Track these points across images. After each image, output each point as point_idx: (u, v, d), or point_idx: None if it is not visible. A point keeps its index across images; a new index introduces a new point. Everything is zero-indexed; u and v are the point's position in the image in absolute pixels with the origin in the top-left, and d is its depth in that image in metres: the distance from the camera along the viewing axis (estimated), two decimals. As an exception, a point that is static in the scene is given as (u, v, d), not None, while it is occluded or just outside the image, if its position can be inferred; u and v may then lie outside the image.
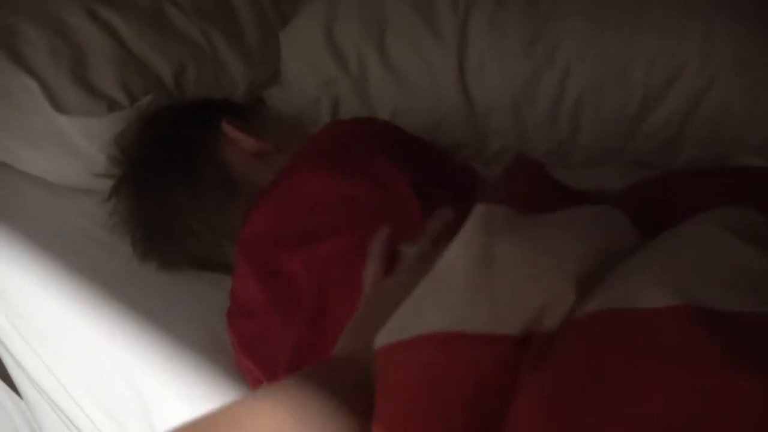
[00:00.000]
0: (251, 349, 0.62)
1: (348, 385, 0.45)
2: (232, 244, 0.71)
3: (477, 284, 0.46)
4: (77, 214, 0.87)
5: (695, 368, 0.36)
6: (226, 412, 0.41)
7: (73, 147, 0.83)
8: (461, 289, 0.46)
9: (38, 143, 0.84)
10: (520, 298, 0.44)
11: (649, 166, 0.86)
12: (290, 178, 0.66)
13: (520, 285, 0.45)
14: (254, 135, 0.76)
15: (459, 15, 0.84)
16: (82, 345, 0.76)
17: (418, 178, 0.62)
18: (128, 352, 0.71)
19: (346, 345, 0.51)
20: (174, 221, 0.76)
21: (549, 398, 0.39)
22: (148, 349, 0.70)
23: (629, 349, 0.39)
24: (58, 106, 0.79)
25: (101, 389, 0.77)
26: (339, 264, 0.59)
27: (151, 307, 0.74)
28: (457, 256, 0.48)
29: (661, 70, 0.79)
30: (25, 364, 0.85)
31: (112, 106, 0.82)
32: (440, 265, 0.48)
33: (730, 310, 0.39)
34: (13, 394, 1.05)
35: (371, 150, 0.66)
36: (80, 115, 0.80)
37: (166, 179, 0.75)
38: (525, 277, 0.45)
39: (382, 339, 0.45)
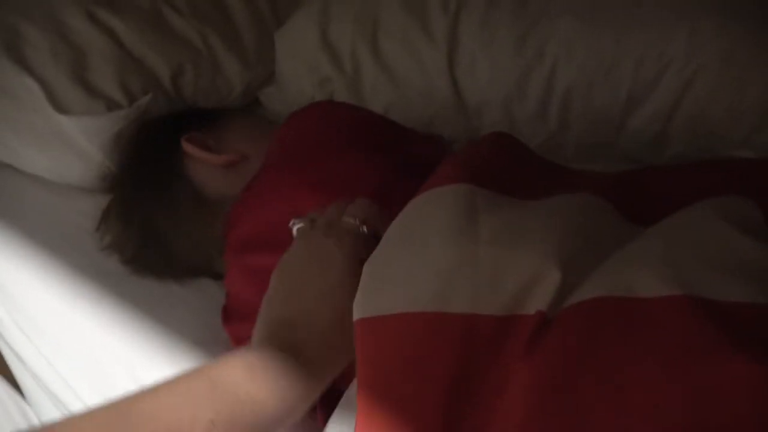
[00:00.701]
0: None
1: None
2: (219, 254, 0.72)
3: (461, 260, 0.46)
4: (77, 212, 0.88)
5: (695, 359, 0.37)
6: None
7: (74, 146, 0.84)
8: (445, 263, 0.46)
9: (39, 142, 0.85)
10: (502, 277, 0.44)
11: (637, 161, 0.87)
12: (260, 181, 0.67)
13: (503, 264, 0.45)
14: (216, 149, 0.75)
15: (449, 15, 0.85)
16: (82, 340, 0.77)
17: (390, 165, 0.63)
18: (129, 348, 0.72)
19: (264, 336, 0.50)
20: (160, 240, 0.76)
21: (543, 389, 0.39)
22: (148, 345, 0.71)
23: (628, 339, 0.39)
24: (59, 105, 0.81)
25: (103, 384, 0.78)
26: None
27: (151, 303, 0.75)
28: (442, 229, 0.48)
29: (648, 66, 0.81)
30: (26, 359, 0.86)
31: (111, 105, 0.83)
32: (423, 236, 0.49)
33: (726, 300, 0.40)
34: (16, 396, 1.06)
35: (338, 145, 0.67)
36: (80, 114, 0.81)
37: (144, 202, 0.77)
38: (508, 256, 0.45)
39: (362, 310, 0.46)
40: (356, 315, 0.46)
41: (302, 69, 0.90)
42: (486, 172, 0.54)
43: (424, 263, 0.47)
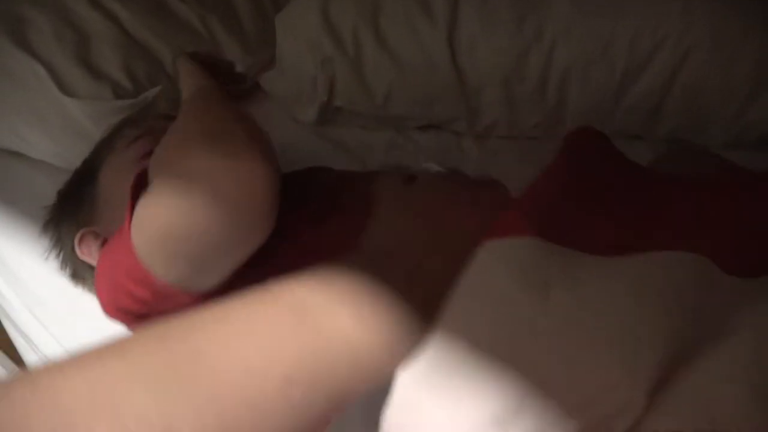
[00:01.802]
0: None
1: None
2: None
3: (527, 382, 0.38)
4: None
5: None
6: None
7: (80, 130, 0.85)
8: (505, 389, 0.38)
9: (46, 125, 0.86)
10: (576, 400, 0.38)
11: (635, 136, 0.90)
12: None
13: (578, 385, 0.38)
14: (108, 234, 0.66)
15: (449, -3, 0.87)
16: (92, 317, 0.78)
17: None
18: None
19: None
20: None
21: None
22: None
23: None
24: (65, 88, 0.81)
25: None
26: None
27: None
28: (501, 313, 0.41)
29: (642, 45, 0.83)
30: (40, 345, 0.87)
31: (116, 89, 0.84)
32: (478, 328, 0.41)
33: None
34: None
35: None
36: (86, 98, 0.82)
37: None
38: (585, 377, 0.38)
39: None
40: None
41: (304, 49, 0.90)
42: (559, 217, 0.48)
43: (480, 381, 0.39)
